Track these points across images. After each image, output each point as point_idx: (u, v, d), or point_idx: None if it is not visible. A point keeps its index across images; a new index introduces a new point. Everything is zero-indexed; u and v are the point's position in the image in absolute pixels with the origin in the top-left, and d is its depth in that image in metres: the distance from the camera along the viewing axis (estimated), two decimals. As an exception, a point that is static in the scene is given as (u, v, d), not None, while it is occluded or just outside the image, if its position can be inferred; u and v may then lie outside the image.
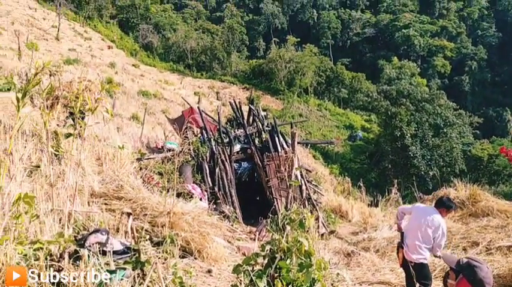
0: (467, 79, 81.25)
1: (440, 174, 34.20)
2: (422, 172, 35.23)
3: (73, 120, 5.93)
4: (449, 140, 37.22)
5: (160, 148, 14.31)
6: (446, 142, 37.09)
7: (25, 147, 6.42)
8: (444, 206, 5.93)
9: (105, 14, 73.77)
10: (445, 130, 37.86)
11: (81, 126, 5.22)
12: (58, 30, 49.94)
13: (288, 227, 4.27)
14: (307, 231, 4.36)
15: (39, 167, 6.06)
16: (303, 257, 3.78)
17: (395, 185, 17.14)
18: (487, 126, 60.94)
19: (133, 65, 53.27)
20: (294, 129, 11.00)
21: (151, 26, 75.05)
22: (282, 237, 3.91)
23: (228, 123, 14.35)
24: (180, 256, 5.38)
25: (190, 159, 11.54)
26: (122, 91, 28.79)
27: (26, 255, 3.48)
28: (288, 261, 3.75)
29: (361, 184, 21.01)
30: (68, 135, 6.05)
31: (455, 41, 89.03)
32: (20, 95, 3.65)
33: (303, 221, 4.17)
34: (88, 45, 53.13)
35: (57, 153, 6.40)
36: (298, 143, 13.22)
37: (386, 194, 17.63)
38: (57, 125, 6.91)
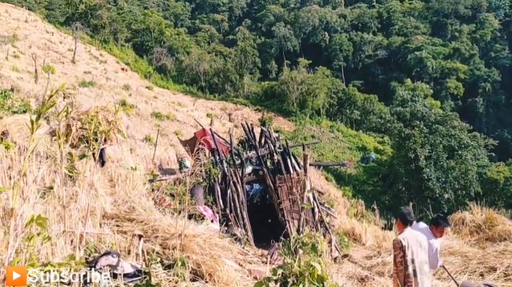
0: (481, 101, 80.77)
1: (455, 197, 33.66)
2: (437, 195, 34.70)
3: (87, 142, 5.99)
4: (464, 162, 36.71)
5: (180, 160, 14.38)
6: (461, 164, 36.58)
7: (39, 168, 6.47)
8: (432, 223, 6.01)
9: (120, 38, 75.36)
10: (459, 152, 37.41)
11: (94, 148, 5.25)
12: (74, 54, 51.05)
13: (301, 251, 4.21)
14: (320, 255, 4.29)
15: (52, 188, 6.10)
16: (315, 282, 3.70)
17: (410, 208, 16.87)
18: (502, 148, 60.08)
19: (147, 87, 53.99)
20: (306, 151, 10.95)
21: (165, 49, 76.32)
22: (294, 261, 3.85)
23: (240, 145, 14.36)
24: (191, 279, 5.32)
25: (202, 181, 11.53)
26: (135, 113, 29.10)
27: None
28: (301, 286, 3.68)
29: (375, 207, 20.76)
30: (82, 156, 6.10)
31: (468, 63, 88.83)
32: (34, 117, 3.69)
33: (316, 244, 4.10)
34: (103, 68, 54.12)
35: (71, 174, 6.44)
36: (310, 165, 13.15)
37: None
38: (71, 146, 6.97)
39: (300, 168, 11.93)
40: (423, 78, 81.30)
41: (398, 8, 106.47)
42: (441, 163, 36.26)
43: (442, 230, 5.96)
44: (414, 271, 5.41)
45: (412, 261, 5.46)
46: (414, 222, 6.25)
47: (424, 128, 39.28)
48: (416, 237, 5.67)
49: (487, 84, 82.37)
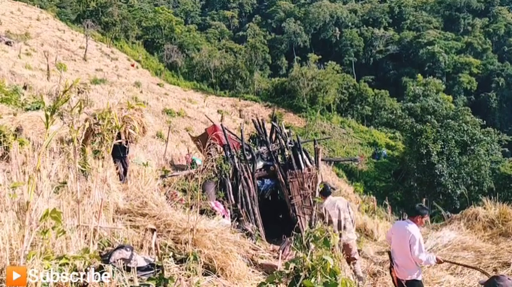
0: (495, 96, 79.75)
1: (468, 192, 33.37)
2: (449, 191, 34.42)
3: (101, 139, 6.05)
4: (477, 157, 36.33)
5: (189, 161, 14.43)
6: (474, 160, 36.21)
7: (52, 164, 6.55)
8: (418, 213, 6.06)
9: (131, 35, 75.68)
10: (472, 147, 37.03)
11: (108, 144, 5.30)
12: (85, 51, 51.40)
13: (313, 245, 4.20)
14: (332, 249, 4.29)
15: (65, 183, 6.16)
16: (328, 276, 3.69)
17: (423, 204, 16.75)
18: (516, 143, 59.20)
19: (158, 84, 54.22)
20: (317, 146, 10.92)
21: (176, 46, 76.49)
22: (307, 255, 3.85)
23: (251, 141, 14.36)
24: (203, 274, 5.34)
25: (213, 176, 11.56)
26: (146, 110, 29.23)
27: (52, 270, 3.51)
28: (313, 280, 3.67)
29: (387, 203, 20.65)
30: (95, 152, 6.16)
31: (481, 58, 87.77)
32: (48, 113, 3.73)
33: (328, 239, 4.09)
34: (114, 65, 54.43)
35: (84, 169, 6.50)
36: (321, 160, 13.11)
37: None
38: (85, 142, 7.03)
39: (311, 163, 11.91)
40: (435, 73, 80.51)
41: (410, 2, 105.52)
42: (453, 158, 35.92)
43: (425, 219, 6.24)
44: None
45: (330, 221, 7.26)
46: (397, 221, 7.21)
47: (436, 123, 38.93)
48: (333, 203, 7.57)
49: (500, 79, 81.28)
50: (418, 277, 5.98)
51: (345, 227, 7.30)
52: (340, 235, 7.03)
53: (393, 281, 6.34)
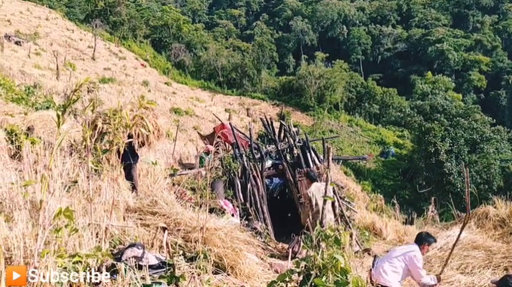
0: (505, 94, 79.01)
1: (478, 191, 33.07)
2: (458, 189, 34.13)
3: (110, 138, 6.07)
4: (486, 156, 36.03)
5: (206, 151, 14.41)
6: (484, 158, 35.91)
7: (63, 163, 6.60)
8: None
9: (139, 34, 75.92)
10: (481, 146, 36.71)
11: (117, 143, 5.32)
12: (94, 51, 51.64)
13: (323, 244, 4.20)
14: (343, 248, 4.28)
15: (76, 182, 6.21)
16: (339, 275, 3.69)
17: (432, 203, 16.65)
18: (526, 142, 58.61)
19: (165, 83, 54.31)
20: (328, 145, 10.90)
21: (183, 45, 76.59)
22: (317, 254, 3.85)
23: (259, 139, 14.37)
24: (213, 272, 5.36)
25: (222, 175, 11.58)
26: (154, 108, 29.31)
27: (66, 268, 3.55)
28: (324, 278, 3.68)
29: (395, 201, 20.56)
30: (105, 151, 6.20)
31: (491, 55, 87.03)
32: (60, 112, 3.77)
33: (339, 237, 4.09)
34: (122, 64, 54.62)
35: (96, 168, 6.55)
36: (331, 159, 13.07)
37: (422, 212, 17.20)
38: (95, 141, 7.07)
39: (320, 162, 11.88)
40: (444, 71, 79.91)
41: (419, 0, 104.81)
42: (462, 156, 35.64)
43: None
44: (318, 211, 8.48)
45: (316, 204, 8.59)
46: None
47: (445, 121, 38.61)
48: (319, 188, 8.78)
49: (510, 77, 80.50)
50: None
51: (324, 210, 8.51)
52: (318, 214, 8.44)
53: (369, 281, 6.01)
